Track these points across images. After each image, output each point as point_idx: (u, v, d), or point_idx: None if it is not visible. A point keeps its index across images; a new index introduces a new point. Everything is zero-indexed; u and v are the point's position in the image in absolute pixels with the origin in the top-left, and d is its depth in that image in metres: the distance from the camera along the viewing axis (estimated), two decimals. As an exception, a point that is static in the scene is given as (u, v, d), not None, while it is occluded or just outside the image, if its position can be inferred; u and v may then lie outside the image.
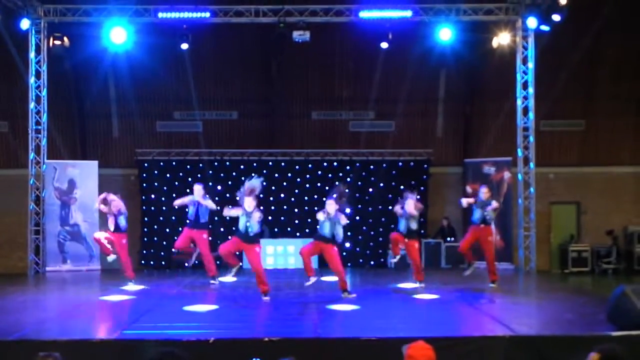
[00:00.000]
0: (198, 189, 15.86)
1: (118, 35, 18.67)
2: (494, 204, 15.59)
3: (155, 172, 21.88)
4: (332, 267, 13.69)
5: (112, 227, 15.32)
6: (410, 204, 15.05)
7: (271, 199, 21.62)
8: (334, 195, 13.56)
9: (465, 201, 15.95)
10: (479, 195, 15.64)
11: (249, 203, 13.04)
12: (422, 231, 21.67)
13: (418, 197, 15.83)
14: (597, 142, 23.07)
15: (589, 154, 23.13)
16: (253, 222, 12.99)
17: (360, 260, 21.62)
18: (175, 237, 20.30)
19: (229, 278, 14.18)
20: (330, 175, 22.04)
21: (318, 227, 13.64)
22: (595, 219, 23.02)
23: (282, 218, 21.67)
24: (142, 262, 21.62)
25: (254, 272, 13.46)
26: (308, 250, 13.67)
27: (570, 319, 11.03)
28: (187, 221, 15.97)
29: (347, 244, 21.66)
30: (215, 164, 21.99)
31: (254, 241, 13.22)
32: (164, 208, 21.47)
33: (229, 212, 13.70)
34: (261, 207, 13.55)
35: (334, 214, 13.33)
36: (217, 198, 19.81)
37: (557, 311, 11.94)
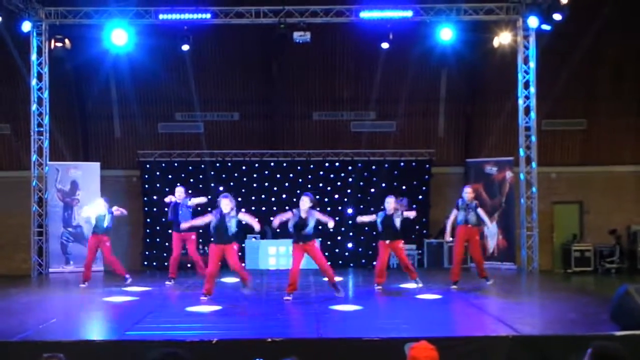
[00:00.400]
0: (180, 190, 15.99)
1: (119, 37, 18.68)
2: (480, 212, 15.28)
3: (157, 173, 21.91)
4: (318, 265, 13.70)
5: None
6: (390, 202, 14.91)
7: (273, 199, 21.65)
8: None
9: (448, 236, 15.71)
10: (462, 196, 15.34)
11: (226, 204, 13.12)
12: (425, 231, 21.76)
13: (414, 205, 15.73)
14: (598, 142, 23.07)
15: (591, 153, 23.13)
16: (231, 224, 13.08)
17: (363, 261, 21.60)
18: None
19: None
20: (332, 175, 22.08)
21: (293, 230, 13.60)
22: (597, 219, 23.01)
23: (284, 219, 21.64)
24: (145, 263, 21.65)
25: (234, 270, 13.54)
26: (298, 263, 13.55)
27: (573, 319, 11.03)
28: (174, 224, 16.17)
29: (350, 244, 21.71)
30: (217, 165, 22.01)
31: (231, 241, 13.32)
32: (166, 209, 21.49)
33: (201, 220, 13.78)
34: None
35: (307, 210, 13.37)
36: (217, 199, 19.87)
37: (560, 311, 11.93)
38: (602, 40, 21.19)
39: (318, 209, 13.91)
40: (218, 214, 13.12)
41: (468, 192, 15.23)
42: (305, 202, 13.38)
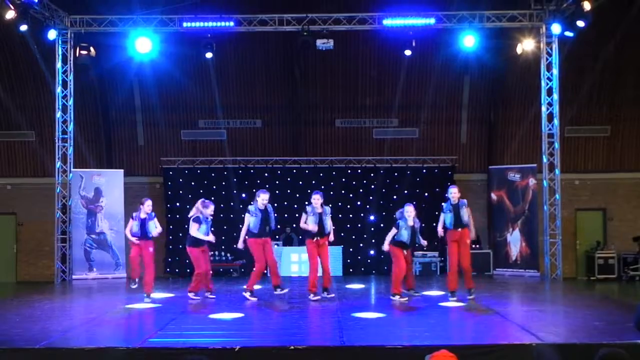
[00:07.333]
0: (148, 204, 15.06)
1: (143, 45, 18.78)
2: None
3: (180, 180, 22.03)
4: (323, 263, 14.12)
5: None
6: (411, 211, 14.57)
7: (295, 206, 21.64)
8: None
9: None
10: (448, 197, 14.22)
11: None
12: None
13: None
14: (622, 148, 22.95)
15: (615, 160, 23.01)
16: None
17: (385, 267, 21.52)
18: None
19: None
20: (354, 182, 22.08)
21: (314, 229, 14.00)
22: (621, 226, 22.87)
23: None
24: (168, 269, 21.74)
25: (270, 266, 14.14)
26: (315, 260, 14.08)
27: (597, 327, 10.92)
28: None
29: (372, 251, 21.65)
30: (240, 172, 22.08)
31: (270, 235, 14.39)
32: (188, 216, 21.57)
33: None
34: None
35: (321, 208, 14.05)
36: (241, 206, 19.97)
37: (584, 319, 11.84)
38: (625, 46, 21.08)
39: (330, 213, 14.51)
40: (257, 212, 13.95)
41: (453, 192, 14.15)
42: (318, 201, 14.04)
